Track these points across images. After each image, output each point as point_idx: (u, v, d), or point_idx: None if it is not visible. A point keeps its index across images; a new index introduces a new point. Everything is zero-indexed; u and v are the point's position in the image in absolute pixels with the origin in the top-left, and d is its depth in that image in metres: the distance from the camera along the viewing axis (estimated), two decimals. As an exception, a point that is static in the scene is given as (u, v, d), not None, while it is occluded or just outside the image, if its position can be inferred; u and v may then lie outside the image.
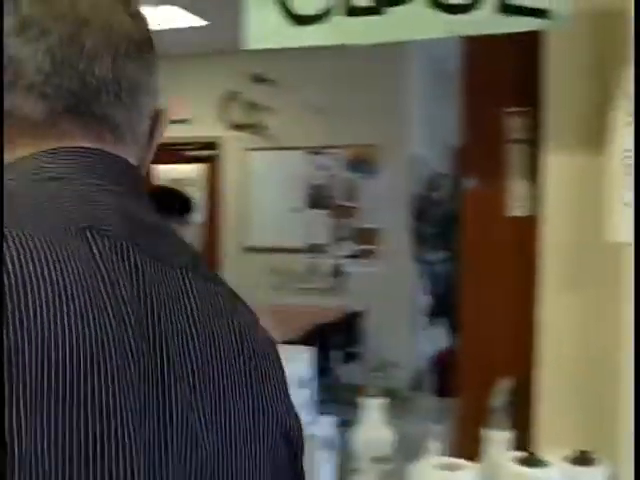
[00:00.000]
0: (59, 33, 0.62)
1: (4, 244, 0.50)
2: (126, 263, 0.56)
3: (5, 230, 0.51)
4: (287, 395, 0.68)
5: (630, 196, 1.30)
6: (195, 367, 0.58)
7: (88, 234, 0.55)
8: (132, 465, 0.50)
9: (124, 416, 0.51)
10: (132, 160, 0.68)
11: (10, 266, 0.49)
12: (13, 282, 0.49)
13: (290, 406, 0.68)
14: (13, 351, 0.47)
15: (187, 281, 0.61)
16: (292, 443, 0.67)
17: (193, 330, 0.59)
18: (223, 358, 0.61)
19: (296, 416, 0.69)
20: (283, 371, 0.69)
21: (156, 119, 0.72)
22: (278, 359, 0.70)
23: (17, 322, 0.48)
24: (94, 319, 0.52)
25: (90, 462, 0.48)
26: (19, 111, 0.62)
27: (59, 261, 0.52)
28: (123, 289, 0.55)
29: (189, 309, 0.60)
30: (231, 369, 0.62)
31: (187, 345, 0.58)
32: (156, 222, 0.65)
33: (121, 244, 0.57)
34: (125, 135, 0.67)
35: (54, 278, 0.51)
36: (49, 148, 0.63)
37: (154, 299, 0.57)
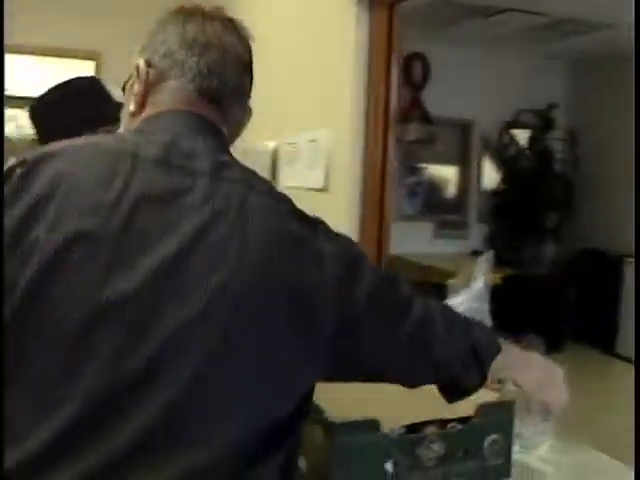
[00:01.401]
0: (211, 53, 1.02)
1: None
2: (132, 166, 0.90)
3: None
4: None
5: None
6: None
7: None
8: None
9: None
10: (226, 131, 1.05)
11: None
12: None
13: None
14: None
15: (202, 180, 0.90)
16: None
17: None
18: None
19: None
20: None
21: (248, 116, 1.12)
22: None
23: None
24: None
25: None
26: (175, 92, 1.02)
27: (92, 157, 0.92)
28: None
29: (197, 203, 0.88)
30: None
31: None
32: (202, 149, 0.96)
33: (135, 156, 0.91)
34: (228, 117, 1.05)
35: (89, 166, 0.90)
36: (187, 111, 1.01)
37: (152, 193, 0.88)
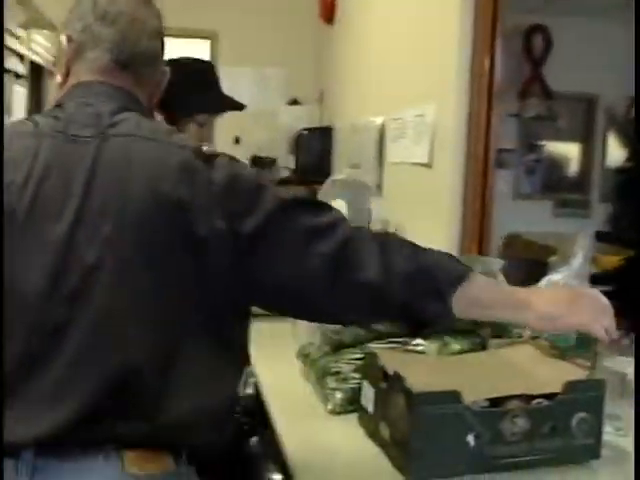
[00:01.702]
0: (122, 23, 1.14)
1: None
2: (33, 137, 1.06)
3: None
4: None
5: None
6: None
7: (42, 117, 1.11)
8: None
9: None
10: (142, 97, 1.18)
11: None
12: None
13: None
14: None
15: (94, 145, 1.03)
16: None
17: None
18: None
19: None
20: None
21: (164, 75, 1.25)
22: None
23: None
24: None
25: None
26: (92, 62, 1.14)
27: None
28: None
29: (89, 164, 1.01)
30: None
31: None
32: (102, 114, 1.07)
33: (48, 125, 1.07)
34: (143, 82, 1.18)
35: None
36: (97, 80, 1.14)
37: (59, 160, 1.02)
